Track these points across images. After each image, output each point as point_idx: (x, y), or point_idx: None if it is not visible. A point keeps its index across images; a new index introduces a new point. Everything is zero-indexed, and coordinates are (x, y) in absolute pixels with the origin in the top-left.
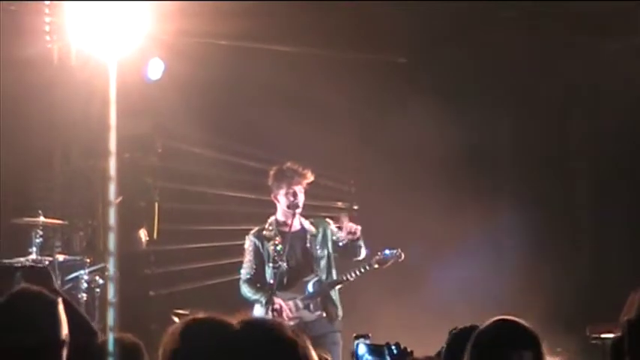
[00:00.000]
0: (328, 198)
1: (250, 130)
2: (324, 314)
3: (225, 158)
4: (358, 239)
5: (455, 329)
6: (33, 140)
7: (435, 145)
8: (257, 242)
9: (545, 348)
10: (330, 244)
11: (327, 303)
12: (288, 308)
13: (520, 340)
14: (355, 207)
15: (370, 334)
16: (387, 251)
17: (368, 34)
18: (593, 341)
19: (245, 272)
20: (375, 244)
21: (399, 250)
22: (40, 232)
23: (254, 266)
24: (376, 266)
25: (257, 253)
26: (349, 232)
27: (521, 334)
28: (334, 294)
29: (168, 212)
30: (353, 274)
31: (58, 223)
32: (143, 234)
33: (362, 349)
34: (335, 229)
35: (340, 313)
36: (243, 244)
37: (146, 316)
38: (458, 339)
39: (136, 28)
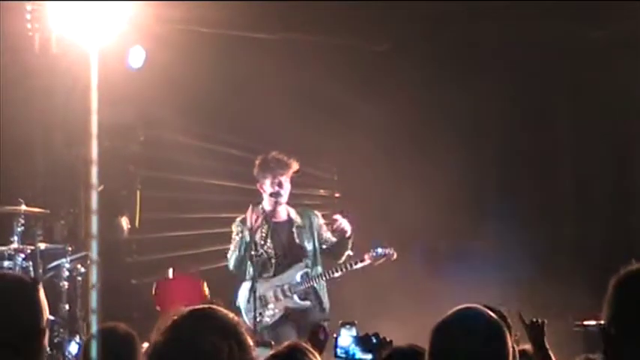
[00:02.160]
0: (311, 186)
1: (233, 118)
2: (310, 303)
3: (208, 146)
4: (348, 238)
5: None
6: (14, 128)
7: (420, 134)
8: (241, 230)
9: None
10: (316, 236)
11: (313, 293)
12: (273, 296)
13: (480, 328)
14: (337, 194)
15: (356, 322)
16: (379, 249)
17: (350, 20)
18: (576, 329)
19: (231, 259)
20: (359, 235)
21: (392, 250)
22: (22, 221)
23: (239, 253)
24: (368, 262)
25: (242, 241)
26: (340, 229)
27: (482, 322)
28: (320, 285)
29: (150, 200)
30: (343, 269)
31: (40, 212)
32: (125, 222)
33: (346, 341)
34: (322, 223)
35: (327, 303)
36: (225, 232)
37: (128, 305)
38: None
39: (117, 15)
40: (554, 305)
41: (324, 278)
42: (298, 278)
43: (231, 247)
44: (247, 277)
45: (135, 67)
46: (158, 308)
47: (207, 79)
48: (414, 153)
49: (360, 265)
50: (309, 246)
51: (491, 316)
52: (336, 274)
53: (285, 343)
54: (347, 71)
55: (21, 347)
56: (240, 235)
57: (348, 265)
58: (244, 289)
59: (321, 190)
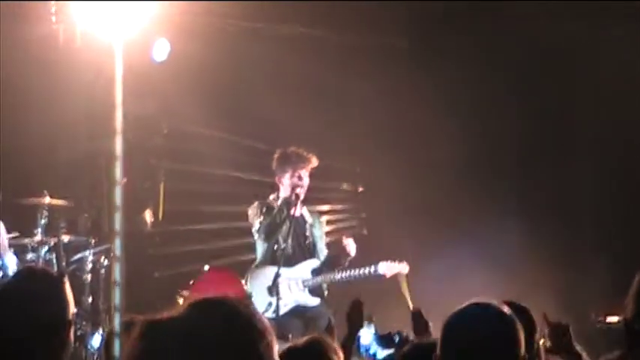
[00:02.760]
0: (334, 179)
1: (256, 111)
2: (320, 300)
3: (231, 139)
4: (345, 261)
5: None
6: (38, 121)
7: (438, 127)
8: (262, 213)
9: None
10: (321, 238)
11: (321, 290)
12: (287, 288)
13: (488, 323)
14: (360, 188)
15: (374, 317)
16: (394, 263)
17: (373, 18)
18: (598, 325)
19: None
20: (378, 228)
21: (405, 264)
22: (46, 213)
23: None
24: (381, 273)
25: (263, 222)
26: (346, 253)
27: (490, 317)
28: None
29: (174, 193)
30: (356, 275)
31: (64, 204)
32: (148, 215)
33: (367, 339)
34: (324, 230)
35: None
36: (248, 225)
37: (151, 297)
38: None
39: (141, 8)
40: (576, 301)
41: (334, 278)
42: (310, 274)
43: (256, 227)
44: (258, 262)
45: (159, 60)
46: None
47: (230, 72)
48: (437, 147)
49: (373, 273)
50: (319, 243)
51: (502, 310)
52: (341, 275)
53: (306, 337)
54: (369, 67)
55: (48, 339)
56: (260, 216)
57: (367, 272)
58: (258, 275)
59: (345, 184)
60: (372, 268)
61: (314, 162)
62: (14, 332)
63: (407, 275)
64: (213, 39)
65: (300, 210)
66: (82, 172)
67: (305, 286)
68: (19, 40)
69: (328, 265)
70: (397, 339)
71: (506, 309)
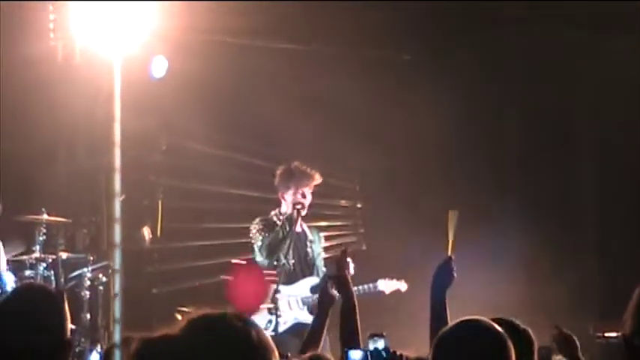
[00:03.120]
0: (333, 196)
1: (255, 127)
2: None
3: (230, 156)
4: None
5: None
6: (36, 138)
7: (440, 143)
8: (265, 230)
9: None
10: (320, 255)
11: None
12: (287, 305)
13: (480, 342)
14: (359, 205)
15: (385, 333)
16: (393, 281)
17: (372, 31)
18: (598, 340)
19: (265, 251)
20: (377, 242)
21: (403, 282)
22: (44, 230)
23: (271, 244)
24: (380, 290)
25: (263, 236)
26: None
27: (482, 335)
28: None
29: (172, 210)
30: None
31: (62, 221)
32: (147, 232)
33: (357, 355)
34: (322, 247)
35: None
36: (246, 243)
37: (149, 314)
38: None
39: (140, 25)
40: (572, 313)
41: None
42: (310, 291)
43: (258, 244)
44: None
45: (157, 77)
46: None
47: (229, 88)
48: (438, 162)
49: (373, 290)
50: (317, 261)
51: (493, 328)
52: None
53: (308, 354)
54: (370, 81)
55: (47, 356)
56: (263, 233)
57: (367, 289)
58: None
59: (343, 201)
60: (372, 285)
61: (317, 179)
62: (13, 350)
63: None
64: (211, 55)
65: (300, 226)
66: (81, 188)
67: (304, 304)
68: (17, 56)
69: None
70: (385, 355)
71: (496, 327)
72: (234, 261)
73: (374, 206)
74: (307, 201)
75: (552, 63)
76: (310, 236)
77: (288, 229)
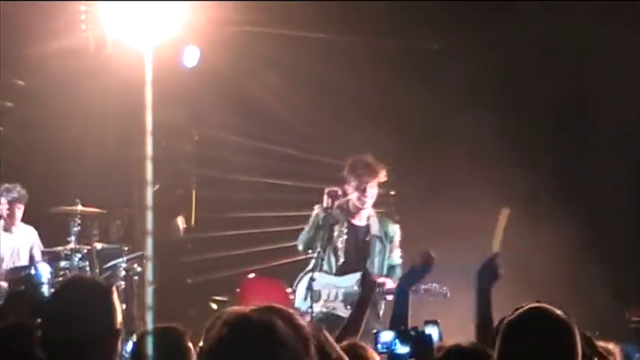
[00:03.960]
0: None
1: (286, 117)
2: None
3: (261, 145)
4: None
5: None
6: (70, 129)
7: (471, 130)
8: (322, 217)
9: (579, 333)
10: (387, 249)
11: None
12: (327, 295)
13: (549, 327)
14: (392, 192)
15: (439, 321)
16: (435, 285)
17: (403, 21)
18: (632, 325)
19: (304, 238)
20: (411, 231)
21: (446, 289)
22: (78, 221)
23: (310, 235)
24: (422, 292)
25: (319, 226)
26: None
27: (550, 321)
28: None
29: (205, 200)
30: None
31: (96, 212)
32: (180, 222)
33: (387, 336)
34: (397, 240)
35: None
36: (278, 231)
37: (184, 303)
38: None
39: (171, 15)
40: (607, 299)
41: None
42: (356, 287)
43: (306, 227)
44: (311, 267)
45: (189, 67)
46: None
47: (260, 78)
48: (469, 149)
49: (415, 294)
50: (377, 257)
51: (559, 314)
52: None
53: (345, 342)
54: (401, 70)
55: (99, 348)
56: (317, 217)
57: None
58: (307, 279)
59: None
60: (442, 290)
61: (382, 175)
62: (66, 341)
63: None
64: (242, 45)
65: (365, 220)
66: (114, 179)
67: (346, 297)
68: (50, 48)
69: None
70: (413, 333)
71: (561, 313)
72: (249, 276)
73: (407, 193)
74: (368, 195)
75: (587, 52)
76: (376, 230)
77: (344, 221)
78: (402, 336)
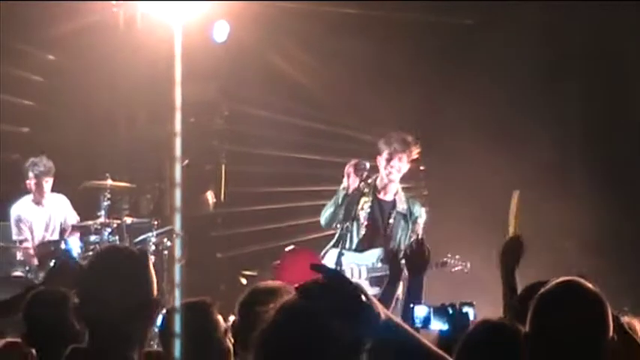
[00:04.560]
0: None
1: (316, 91)
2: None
3: (291, 121)
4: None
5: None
6: (100, 104)
7: (501, 105)
8: (342, 195)
9: (612, 309)
10: (409, 228)
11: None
12: (350, 273)
13: (582, 301)
14: (422, 167)
15: (474, 302)
16: (452, 260)
17: None
18: None
19: (327, 214)
20: (440, 205)
21: (467, 263)
22: (108, 195)
23: (332, 211)
24: (446, 266)
25: (339, 204)
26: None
27: (583, 295)
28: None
29: (235, 175)
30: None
31: (126, 186)
32: (210, 196)
33: (422, 311)
34: (421, 222)
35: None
36: (308, 206)
37: (214, 278)
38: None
39: None
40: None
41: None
42: (378, 263)
43: (329, 203)
44: (334, 243)
45: (219, 42)
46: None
47: (290, 53)
48: (499, 125)
49: (435, 268)
50: (399, 233)
51: (591, 288)
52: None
53: None
54: (430, 45)
55: (135, 319)
56: (338, 195)
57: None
58: (331, 256)
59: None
60: (437, 262)
61: (413, 152)
62: (102, 313)
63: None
64: (272, 20)
65: (392, 195)
66: (144, 154)
67: (369, 273)
68: (80, 24)
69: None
70: (451, 311)
71: (592, 287)
72: (287, 248)
73: (436, 168)
74: (395, 171)
75: (621, 35)
76: (402, 207)
77: (371, 195)
78: (439, 312)
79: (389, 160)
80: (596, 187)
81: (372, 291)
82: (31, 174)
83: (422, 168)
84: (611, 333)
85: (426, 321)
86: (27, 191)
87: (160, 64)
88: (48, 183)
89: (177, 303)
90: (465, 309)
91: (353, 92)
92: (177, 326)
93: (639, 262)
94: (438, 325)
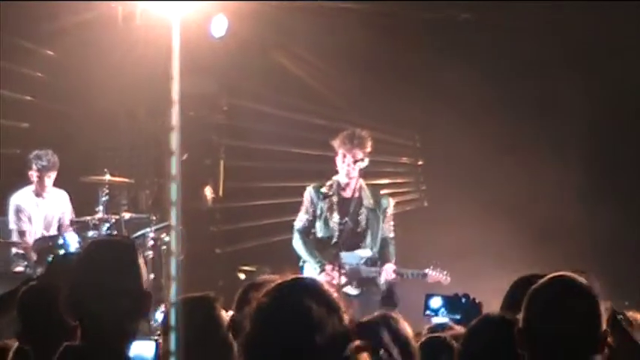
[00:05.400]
0: (393, 153)
1: (315, 87)
2: (365, 289)
3: (290, 115)
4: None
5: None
6: (99, 100)
7: (499, 99)
8: (313, 196)
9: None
10: (380, 221)
11: (369, 282)
12: (338, 275)
13: (575, 296)
14: (420, 162)
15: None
16: (438, 274)
17: None
18: None
19: (299, 221)
20: (439, 200)
21: (447, 274)
22: (107, 191)
23: (308, 220)
24: (426, 278)
25: (313, 207)
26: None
27: (576, 290)
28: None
29: (234, 170)
30: (403, 276)
31: (125, 182)
32: (209, 191)
33: (437, 303)
34: (390, 214)
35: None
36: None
37: (213, 273)
38: (519, 287)
39: None
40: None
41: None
42: (362, 266)
43: (301, 210)
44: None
45: (217, 36)
46: None
47: (288, 47)
48: (498, 119)
49: (421, 277)
50: (371, 229)
51: (583, 282)
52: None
53: (376, 312)
54: (429, 40)
55: (126, 311)
56: (310, 201)
57: (412, 276)
58: (309, 267)
59: (404, 158)
60: (421, 274)
61: (366, 148)
62: (93, 305)
63: None
64: (270, 14)
65: (357, 192)
66: (143, 149)
67: (351, 277)
68: (78, 19)
69: (380, 258)
70: (464, 301)
71: (586, 282)
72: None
73: (434, 163)
74: (352, 168)
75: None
76: (370, 203)
77: (336, 196)
78: (452, 303)
79: (344, 158)
80: (592, 184)
81: (354, 291)
82: (34, 167)
83: (420, 163)
84: (604, 327)
85: (437, 310)
86: (29, 182)
87: (159, 59)
88: (50, 178)
89: (173, 297)
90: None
91: (351, 87)
92: (172, 320)
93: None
94: (449, 315)
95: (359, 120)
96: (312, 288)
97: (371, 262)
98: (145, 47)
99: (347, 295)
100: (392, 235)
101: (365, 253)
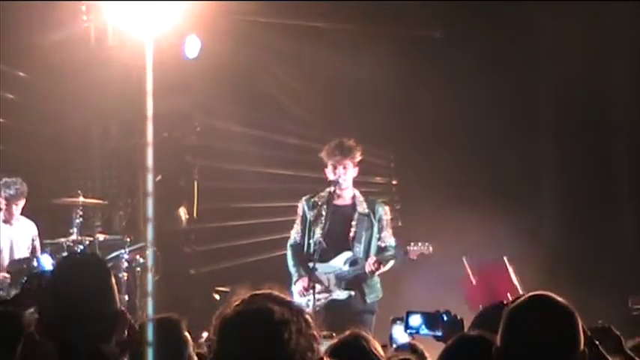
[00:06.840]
0: (368, 173)
1: (289, 107)
2: (353, 294)
3: (264, 135)
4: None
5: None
6: (71, 120)
7: (472, 119)
8: (305, 206)
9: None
10: (375, 228)
11: (359, 283)
12: (317, 283)
13: (552, 315)
14: (394, 182)
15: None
16: (418, 246)
17: (404, 9)
18: (635, 313)
19: (291, 237)
20: (413, 220)
21: (428, 244)
22: (80, 212)
23: (300, 232)
24: (410, 257)
25: (303, 218)
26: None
27: (554, 309)
28: (370, 278)
29: (208, 191)
30: (383, 265)
31: (98, 203)
32: (183, 212)
33: (416, 321)
34: (387, 219)
35: (374, 295)
36: (282, 221)
37: (188, 295)
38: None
39: (172, 5)
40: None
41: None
42: (345, 267)
43: (295, 223)
44: (293, 270)
45: (190, 57)
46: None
47: (261, 68)
48: (471, 139)
49: (399, 258)
50: (364, 235)
51: (562, 301)
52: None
53: (348, 332)
54: (403, 59)
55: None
56: (302, 212)
57: (392, 259)
58: (297, 286)
59: (378, 178)
60: (399, 253)
61: (355, 155)
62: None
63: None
64: (244, 35)
65: (349, 199)
66: (117, 170)
67: (339, 279)
68: (51, 39)
69: (387, 255)
70: (445, 318)
71: (563, 302)
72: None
73: (409, 183)
74: (340, 177)
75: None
76: (364, 210)
77: (326, 205)
78: (432, 320)
79: (335, 170)
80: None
81: (342, 295)
82: (2, 194)
83: (394, 182)
84: (582, 346)
85: (418, 328)
86: None
87: (132, 79)
88: (18, 206)
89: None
90: (399, 324)
91: (326, 106)
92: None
93: None
94: (430, 332)
95: (333, 139)
96: (273, 296)
97: (354, 261)
98: (118, 67)
99: (335, 300)
100: (393, 243)
101: (346, 255)
